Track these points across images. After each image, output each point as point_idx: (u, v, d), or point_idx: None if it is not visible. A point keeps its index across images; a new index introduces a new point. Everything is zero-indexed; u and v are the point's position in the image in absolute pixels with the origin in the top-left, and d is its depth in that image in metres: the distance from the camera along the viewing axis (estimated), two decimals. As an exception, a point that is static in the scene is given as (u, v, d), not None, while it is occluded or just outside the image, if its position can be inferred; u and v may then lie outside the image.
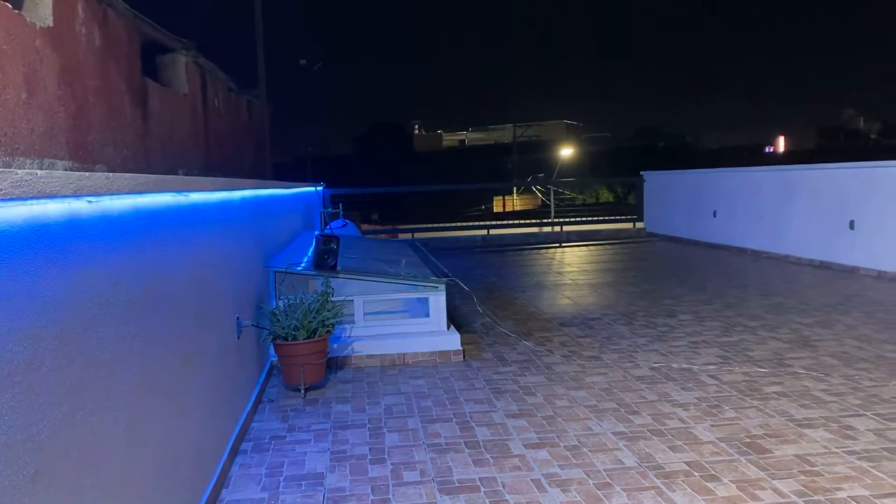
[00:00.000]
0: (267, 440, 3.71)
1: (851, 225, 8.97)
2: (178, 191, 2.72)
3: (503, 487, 3.09)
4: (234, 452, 3.50)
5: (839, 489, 2.96)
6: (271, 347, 4.74)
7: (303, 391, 4.42)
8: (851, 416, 3.80)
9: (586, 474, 3.20)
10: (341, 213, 11.74)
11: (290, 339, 4.38)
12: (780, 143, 55.33)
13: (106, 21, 6.31)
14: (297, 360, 4.39)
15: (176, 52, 9.08)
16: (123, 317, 2.12)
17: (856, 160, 10.39)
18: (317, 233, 7.29)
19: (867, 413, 3.83)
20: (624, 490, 3.03)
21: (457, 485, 3.13)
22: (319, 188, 12.03)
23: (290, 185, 7.62)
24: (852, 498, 2.89)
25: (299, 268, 5.23)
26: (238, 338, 3.88)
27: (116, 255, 2.10)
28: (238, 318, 3.88)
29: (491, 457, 3.43)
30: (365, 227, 17.44)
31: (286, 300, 4.55)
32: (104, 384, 1.95)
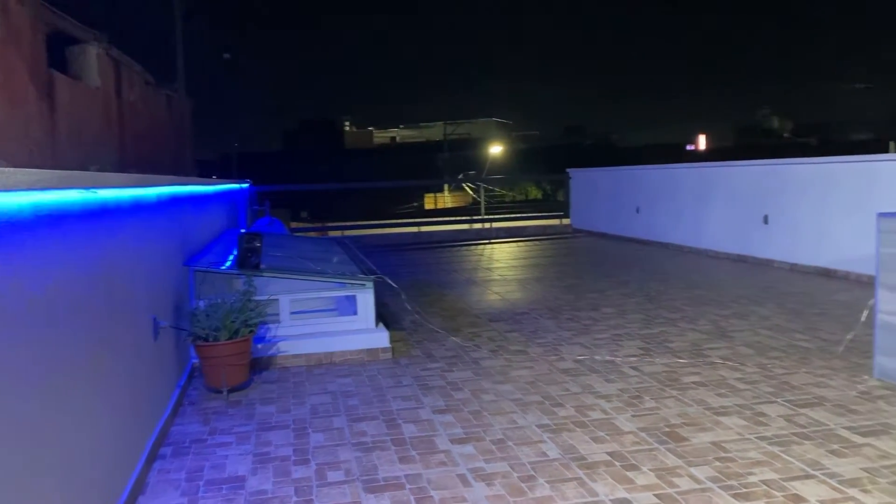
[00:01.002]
0: (187, 444, 3.60)
1: (766, 220, 9.36)
2: (86, 187, 2.60)
3: (428, 484, 3.09)
4: (153, 458, 3.38)
5: (751, 474, 3.08)
6: (192, 349, 4.61)
7: (225, 393, 4.31)
8: (764, 403, 3.96)
9: (511, 467, 3.23)
10: (268, 210, 11.54)
11: (211, 339, 4.27)
12: (702, 142, 57.28)
13: (5, 9, 5.99)
14: (218, 361, 4.29)
15: (87, 44, 8.70)
16: (24, 320, 2.01)
17: (770, 157, 10.85)
18: (252, 230, 7.13)
19: (778, 400, 4.00)
20: (547, 482, 3.07)
21: (382, 483, 3.11)
22: (245, 185, 11.78)
23: (213, 182, 7.42)
24: (763, 482, 3.00)
25: (221, 267, 5.10)
26: (155, 339, 3.75)
27: (15, 255, 1.99)
28: (155, 319, 3.75)
29: (417, 453, 3.42)
30: (294, 225, 17.20)
31: (208, 300, 4.43)
32: None
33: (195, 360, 4.70)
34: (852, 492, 2.88)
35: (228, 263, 5.32)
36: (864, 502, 2.79)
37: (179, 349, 4.48)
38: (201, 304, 4.51)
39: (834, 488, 2.91)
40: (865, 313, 4.71)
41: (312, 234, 15.41)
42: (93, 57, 8.83)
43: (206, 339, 4.27)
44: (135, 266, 3.45)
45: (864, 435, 3.46)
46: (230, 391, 4.35)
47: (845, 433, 3.49)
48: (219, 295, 4.56)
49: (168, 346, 4.12)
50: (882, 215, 4.24)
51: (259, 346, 4.93)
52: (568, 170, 15.86)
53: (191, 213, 5.65)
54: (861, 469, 3.08)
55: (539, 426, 3.73)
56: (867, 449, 3.29)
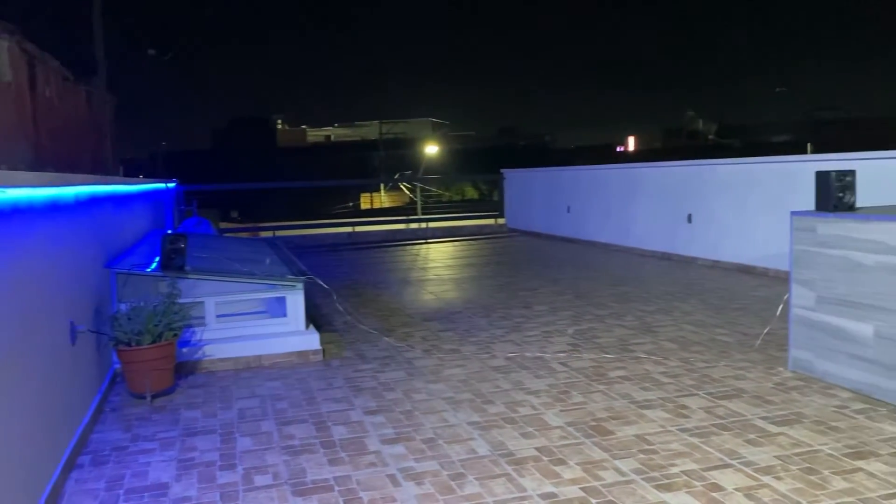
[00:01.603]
0: (108, 452, 3.48)
1: (689, 218, 9.66)
2: (-6, 186, 2.49)
3: (357, 485, 3.07)
4: (70, 467, 3.26)
5: (673, 465, 3.18)
6: (114, 354, 4.46)
7: (149, 398, 4.18)
8: (685, 395, 4.09)
9: (440, 466, 3.24)
10: (195, 210, 11.27)
11: (133, 344, 4.14)
12: (631, 143, 58.70)
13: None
14: (142, 366, 4.16)
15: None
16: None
17: (695, 158, 11.22)
18: (168, 232, 6.93)
19: (699, 393, 4.13)
20: (476, 479, 3.09)
21: (310, 486, 3.07)
22: (171, 185, 11.47)
23: (136, 182, 7.20)
24: (684, 472, 3.10)
25: (143, 269, 4.95)
26: (73, 344, 3.61)
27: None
28: (72, 324, 3.61)
29: (346, 455, 3.39)
30: (224, 225, 16.81)
31: (130, 303, 4.29)
32: None
33: (117, 366, 4.55)
34: (767, 479, 3.00)
35: (154, 266, 5.17)
36: (778, 488, 2.91)
37: (101, 354, 4.33)
38: (123, 307, 4.36)
39: (750, 476, 3.03)
40: (780, 308, 4.91)
41: (243, 234, 15.10)
42: (3, 50, 8.44)
43: (128, 344, 4.14)
44: (50, 269, 3.32)
45: (778, 424, 3.61)
46: (154, 396, 4.23)
47: (761, 423, 3.63)
48: (142, 298, 4.43)
49: (87, 351, 3.97)
50: (795, 214, 4.43)
51: (184, 350, 4.81)
52: (502, 170, 16.02)
53: (112, 213, 5.47)
54: (775, 457, 3.21)
55: (469, 424, 3.75)
56: (781, 438, 3.44)
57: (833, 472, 3.04)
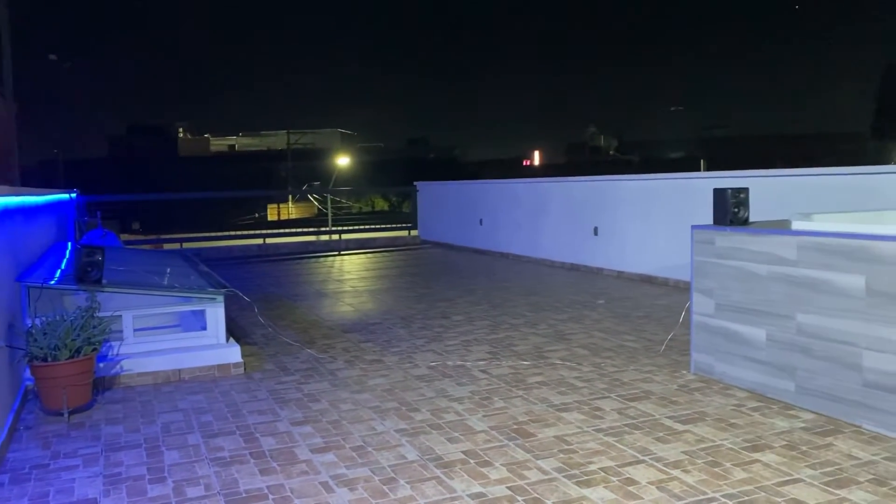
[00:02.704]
0: (27, 470, 3.39)
1: (595, 231, 10.12)
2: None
3: (291, 493, 3.13)
4: (-13, 488, 3.16)
5: (591, 462, 3.39)
6: (27, 370, 4.31)
7: (66, 415, 4.07)
8: (599, 398, 4.34)
9: (372, 472, 3.34)
10: (100, 222, 10.86)
11: (49, 359, 4.03)
12: (536, 157, 60.32)
13: None
14: (58, 381, 4.05)
15: None
16: None
17: (597, 174, 11.76)
18: (78, 244, 6.70)
19: (612, 395, 4.40)
20: (407, 483, 3.21)
21: (244, 495, 3.10)
22: (73, 195, 11.02)
23: (41, 192, 6.92)
24: (601, 469, 3.32)
25: (58, 283, 4.81)
26: (-12, 361, 3.49)
27: None
28: (-12, 339, 3.50)
29: (277, 465, 3.44)
30: (125, 237, 16.20)
31: (45, 318, 4.17)
32: None
33: (29, 382, 4.40)
34: (676, 472, 3.26)
35: (62, 278, 5.01)
36: (686, 480, 3.17)
37: (13, 370, 4.18)
38: (37, 321, 4.23)
39: (660, 470, 3.28)
40: (683, 315, 5.28)
41: (146, 246, 14.61)
42: None
43: (44, 359, 4.02)
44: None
45: (684, 423, 3.90)
46: (71, 413, 4.12)
47: (668, 422, 3.92)
48: (57, 312, 4.30)
49: (0, 367, 3.84)
50: (696, 227, 4.79)
51: (101, 364, 4.69)
52: (416, 183, 16.21)
53: (20, 225, 5.27)
54: (682, 452, 3.49)
55: (397, 431, 3.86)
56: (687, 435, 3.72)
57: (734, 464, 3.33)
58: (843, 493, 3.00)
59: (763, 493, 3.02)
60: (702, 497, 3.00)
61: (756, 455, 3.43)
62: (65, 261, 6.20)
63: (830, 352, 3.89)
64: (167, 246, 14.62)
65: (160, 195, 22.37)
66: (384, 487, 3.17)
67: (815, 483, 3.10)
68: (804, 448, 3.50)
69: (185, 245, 14.60)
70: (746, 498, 2.98)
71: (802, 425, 3.81)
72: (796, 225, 4.26)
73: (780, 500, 2.96)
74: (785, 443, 3.57)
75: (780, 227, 4.40)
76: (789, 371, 4.13)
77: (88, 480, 3.26)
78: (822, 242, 3.92)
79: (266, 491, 3.15)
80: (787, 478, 3.17)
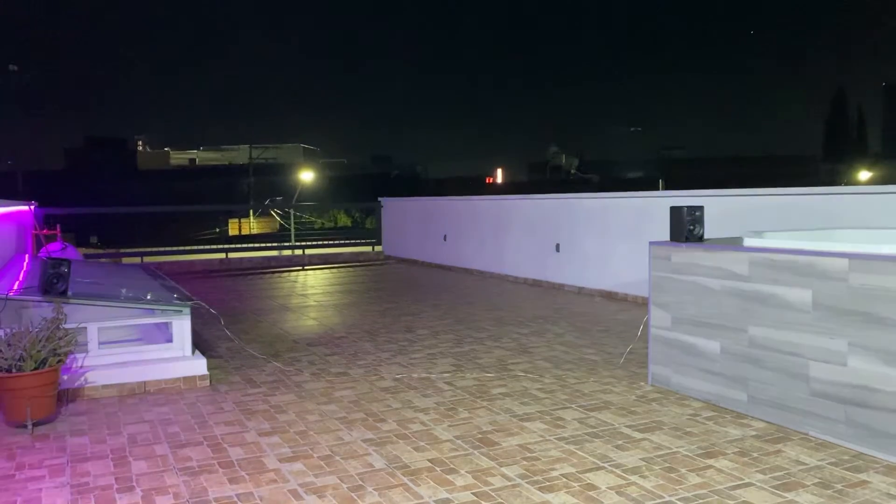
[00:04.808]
0: (-9, 482, 3.37)
1: (557, 248, 10.32)
2: None
3: (261, 500, 3.17)
4: (-49, 499, 3.14)
5: (553, 469, 3.51)
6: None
7: (30, 427, 4.05)
8: (561, 408, 4.47)
9: (340, 480, 3.40)
10: (60, 235, 10.71)
11: (14, 370, 4.01)
12: (499, 175, 60.90)
13: None
14: (22, 393, 4.03)
15: None
16: None
17: (559, 192, 12.00)
18: (37, 257, 6.64)
19: (573, 405, 4.53)
20: (375, 490, 3.28)
21: (214, 503, 3.14)
22: (31, 207, 10.86)
23: (4, 204, 6.84)
24: (563, 475, 3.44)
25: (21, 294, 4.78)
26: (-47, 371, 3.48)
27: None
28: (-47, 350, 3.48)
29: (246, 474, 3.48)
30: (84, 251, 15.94)
31: (10, 329, 4.15)
32: None
33: (-9, 395, 4.36)
34: (634, 478, 3.39)
35: (26, 290, 4.98)
36: (644, 485, 3.30)
37: (-26, 382, 4.14)
38: (1, 333, 4.21)
39: (620, 476, 3.41)
40: (641, 329, 5.45)
41: (104, 260, 14.41)
42: None
43: (8, 370, 4.00)
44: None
45: (642, 431, 4.04)
46: (35, 425, 4.10)
47: (627, 431, 4.06)
48: (15, 324, 4.28)
49: (-36, 378, 3.81)
50: (653, 243, 4.98)
51: (65, 377, 4.67)
52: (380, 199, 16.29)
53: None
54: (640, 459, 3.62)
55: (364, 441, 3.93)
56: (645, 443, 3.86)
57: (689, 470, 3.48)
58: (790, 496, 3.17)
59: (716, 497, 3.16)
60: (659, 501, 3.13)
61: (710, 461, 3.58)
62: (22, 272, 6.15)
63: (780, 363, 4.09)
64: (127, 260, 14.44)
65: (121, 208, 22.04)
66: (352, 495, 3.23)
67: (766, 487, 3.26)
68: (755, 454, 3.66)
69: (146, 259, 14.45)
70: (701, 501, 3.12)
71: (754, 433, 3.98)
72: (748, 242, 4.46)
73: (732, 502, 3.11)
74: (737, 450, 3.74)
75: (733, 243, 4.60)
76: (742, 382, 4.32)
77: (56, 490, 3.26)
78: (772, 258, 4.12)
79: (235, 499, 3.19)
80: (739, 482, 3.32)
